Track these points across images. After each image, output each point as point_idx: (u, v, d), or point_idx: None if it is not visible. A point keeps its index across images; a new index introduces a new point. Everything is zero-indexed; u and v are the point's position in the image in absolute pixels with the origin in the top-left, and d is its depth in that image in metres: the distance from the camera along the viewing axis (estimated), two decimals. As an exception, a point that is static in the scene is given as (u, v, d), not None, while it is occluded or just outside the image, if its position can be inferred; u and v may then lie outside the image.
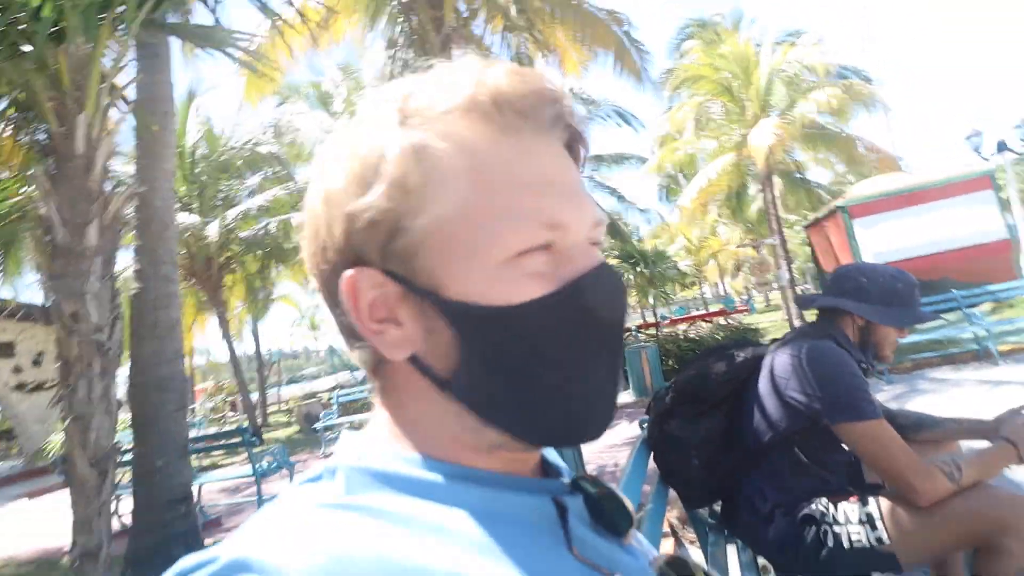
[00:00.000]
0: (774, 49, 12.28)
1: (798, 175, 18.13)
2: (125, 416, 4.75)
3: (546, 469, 0.49)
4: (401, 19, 7.40)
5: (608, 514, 0.45)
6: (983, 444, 1.61)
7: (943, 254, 9.15)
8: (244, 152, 12.48)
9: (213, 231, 11.50)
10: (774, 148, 10.44)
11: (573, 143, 0.45)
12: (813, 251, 12.79)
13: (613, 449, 5.51)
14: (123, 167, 6.93)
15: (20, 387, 12.03)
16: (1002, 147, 11.04)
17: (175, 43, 5.05)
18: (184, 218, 11.29)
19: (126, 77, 3.80)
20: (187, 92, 12.99)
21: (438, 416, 0.41)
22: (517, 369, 0.39)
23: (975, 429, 1.83)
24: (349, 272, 0.40)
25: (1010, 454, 1.49)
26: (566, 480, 0.47)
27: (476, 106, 0.40)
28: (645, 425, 2.05)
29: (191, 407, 16.45)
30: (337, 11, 7.59)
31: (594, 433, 0.42)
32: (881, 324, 1.71)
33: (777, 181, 14.36)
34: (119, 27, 2.91)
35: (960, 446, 1.89)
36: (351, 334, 0.43)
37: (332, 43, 9.29)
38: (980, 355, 6.69)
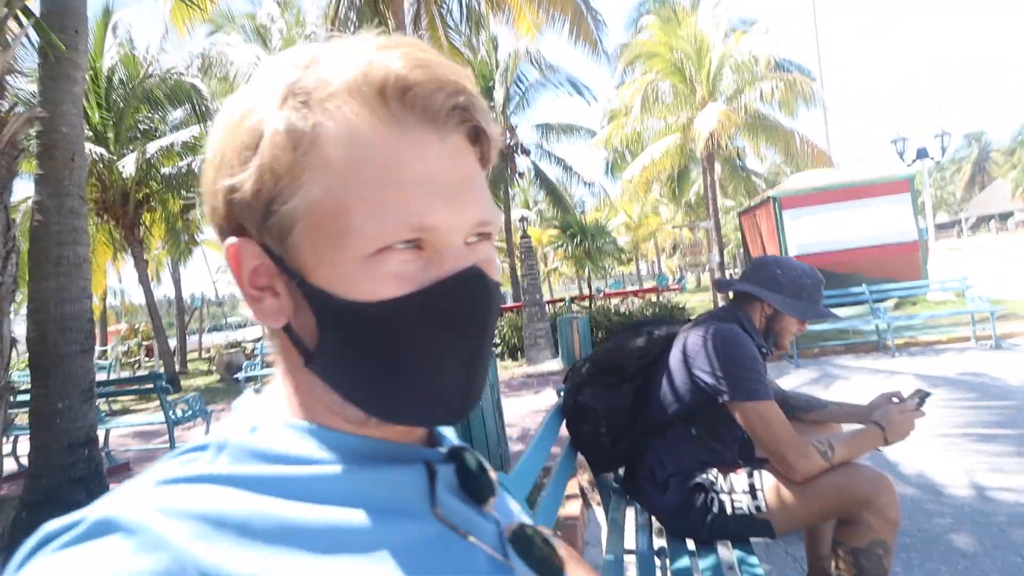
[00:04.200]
0: (727, 35, 12.46)
1: (738, 162, 18.71)
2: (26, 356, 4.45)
3: (432, 436, 0.52)
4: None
5: (474, 482, 0.48)
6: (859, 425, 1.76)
7: (858, 250, 9.74)
8: (169, 82, 11.25)
9: (130, 165, 10.57)
10: (718, 133, 10.69)
11: (478, 137, 0.43)
12: (744, 237, 13.31)
13: (538, 415, 5.66)
14: (27, 84, 6.22)
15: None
16: (922, 154, 11.76)
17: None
18: (96, 149, 10.34)
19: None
20: (103, 8, 11.60)
21: (318, 385, 0.43)
22: (368, 360, 0.41)
23: (853, 412, 2.00)
24: (231, 240, 0.41)
25: (877, 437, 1.63)
26: (444, 449, 0.49)
27: (361, 93, 0.39)
28: (562, 393, 2.12)
29: (103, 349, 15.56)
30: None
31: (449, 418, 0.44)
32: (786, 314, 1.83)
33: (717, 167, 14.76)
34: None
35: (841, 427, 2.05)
36: None
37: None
38: (879, 346, 7.25)
